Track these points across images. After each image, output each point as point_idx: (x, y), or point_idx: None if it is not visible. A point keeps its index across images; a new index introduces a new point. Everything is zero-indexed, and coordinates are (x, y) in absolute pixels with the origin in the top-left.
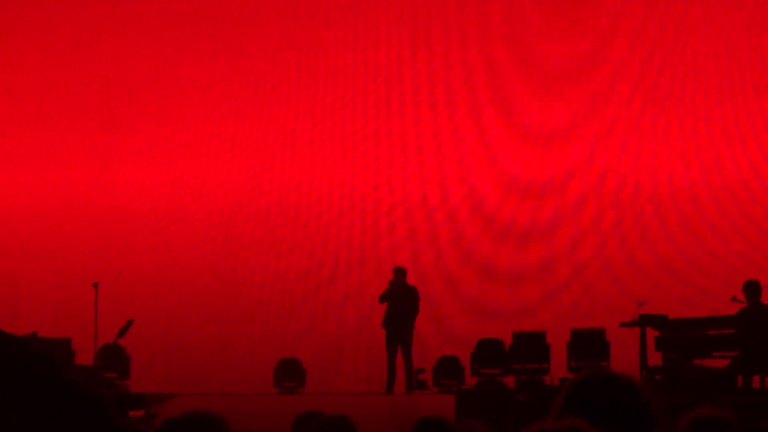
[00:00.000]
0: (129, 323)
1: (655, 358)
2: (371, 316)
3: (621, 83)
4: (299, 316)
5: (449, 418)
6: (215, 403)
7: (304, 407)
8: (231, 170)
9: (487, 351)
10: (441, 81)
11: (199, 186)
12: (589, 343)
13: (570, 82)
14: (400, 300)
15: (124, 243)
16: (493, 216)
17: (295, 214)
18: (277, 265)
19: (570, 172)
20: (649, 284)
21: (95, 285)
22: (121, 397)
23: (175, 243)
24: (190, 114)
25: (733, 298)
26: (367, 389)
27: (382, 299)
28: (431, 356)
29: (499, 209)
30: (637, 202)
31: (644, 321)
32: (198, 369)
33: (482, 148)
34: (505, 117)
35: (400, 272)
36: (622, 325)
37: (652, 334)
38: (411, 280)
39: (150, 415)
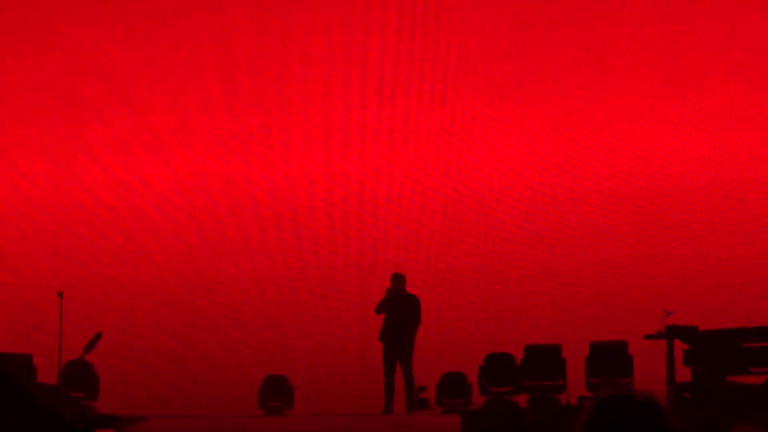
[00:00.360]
0: (97, 337)
1: (683, 374)
2: (367, 327)
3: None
4: (287, 328)
5: None
6: (192, 426)
7: (292, 430)
8: (208, 167)
9: (496, 366)
10: (436, 68)
11: (174, 184)
12: (609, 358)
13: (576, 69)
14: (399, 310)
15: (90, 247)
16: (501, 214)
17: (280, 213)
18: (261, 270)
19: (585, 167)
20: (677, 291)
21: (59, 294)
22: (88, 419)
23: (147, 247)
24: (161, 105)
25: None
26: (363, 410)
27: (378, 309)
28: (434, 372)
29: (507, 207)
30: (662, 200)
31: (671, 332)
32: (173, 388)
33: (485, 142)
34: (518, 107)
35: (398, 279)
36: (647, 337)
37: (680, 347)
38: (411, 287)
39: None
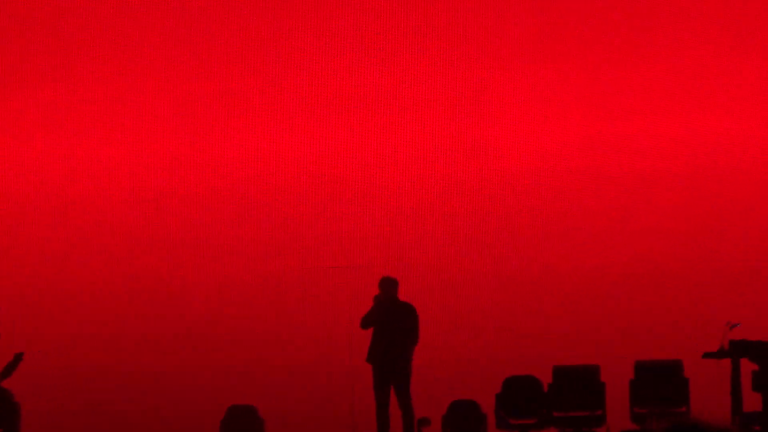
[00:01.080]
0: (18, 358)
1: (753, 401)
2: (355, 344)
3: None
4: (254, 347)
5: None
6: None
7: None
8: (157, 145)
9: (517, 393)
10: (439, 24)
11: (116, 165)
12: (660, 382)
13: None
14: (391, 323)
15: (9, 241)
16: (522, 205)
17: (243, 203)
18: (223, 272)
19: (627, 147)
20: (744, 299)
21: None
22: None
23: (81, 244)
24: (97, 68)
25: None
26: None
27: (365, 323)
28: (439, 401)
29: (529, 195)
30: (725, 189)
31: (737, 350)
32: (114, 421)
33: (503, 115)
34: (541, 72)
35: (388, 284)
36: (707, 355)
37: (748, 367)
38: (408, 294)
39: None
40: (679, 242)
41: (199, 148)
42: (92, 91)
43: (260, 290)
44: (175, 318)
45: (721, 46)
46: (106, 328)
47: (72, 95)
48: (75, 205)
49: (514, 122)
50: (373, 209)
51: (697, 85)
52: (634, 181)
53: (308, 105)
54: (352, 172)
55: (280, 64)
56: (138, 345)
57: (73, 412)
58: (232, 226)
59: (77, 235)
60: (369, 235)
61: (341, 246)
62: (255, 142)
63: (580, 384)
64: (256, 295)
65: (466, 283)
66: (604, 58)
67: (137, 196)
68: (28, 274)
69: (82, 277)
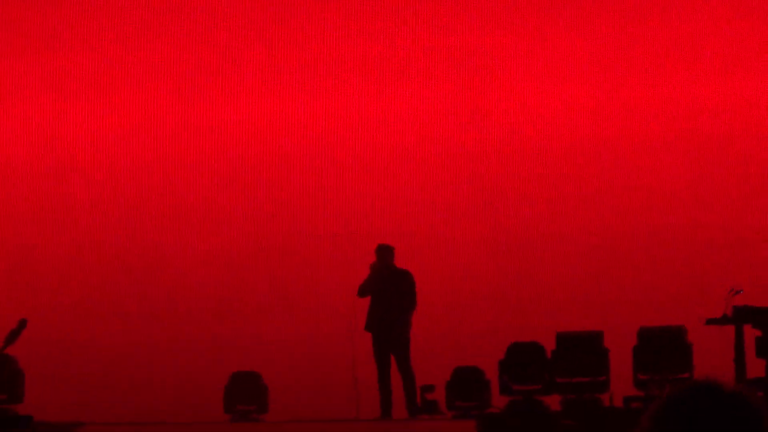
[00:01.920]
0: (21, 325)
1: (756, 367)
2: (359, 311)
3: None
4: (259, 314)
5: None
6: None
7: None
8: (152, 111)
9: (521, 359)
10: None
11: (115, 133)
12: (663, 348)
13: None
14: (387, 290)
15: (12, 212)
16: (526, 171)
17: (246, 170)
18: (225, 241)
19: (631, 113)
20: (747, 265)
21: None
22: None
23: (84, 214)
24: (83, 36)
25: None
26: (355, 414)
27: (362, 291)
28: (443, 367)
29: (533, 161)
30: (729, 154)
31: (741, 316)
32: (117, 388)
33: (507, 79)
34: (546, 35)
35: (385, 252)
36: (710, 322)
37: (751, 333)
38: (416, 261)
39: None
40: (684, 208)
41: (198, 115)
42: (90, 58)
43: (264, 258)
44: (178, 285)
45: (727, 10)
46: (111, 295)
47: (69, 63)
48: (80, 173)
49: (519, 87)
50: (374, 176)
51: (707, 50)
52: (638, 147)
53: (307, 71)
54: (353, 138)
55: (280, 30)
56: (142, 313)
57: (77, 379)
58: (233, 194)
59: (82, 203)
60: (371, 202)
61: (343, 213)
62: (254, 110)
63: (583, 350)
64: (260, 263)
65: (469, 249)
66: (609, 25)
67: (138, 163)
68: (33, 242)
69: (86, 245)
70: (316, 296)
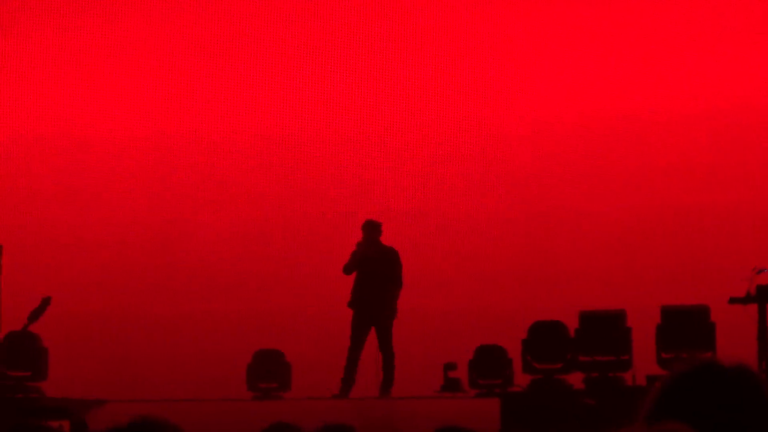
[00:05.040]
0: (45, 302)
1: None
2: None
3: None
4: (282, 292)
5: (492, 429)
6: (163, 414)
7: (288, 417)
8: (175, 88)
9: (544, 338)
10: None
11: (138, 109)
12: (686, 326)
13: None
14: (373, 268)
15: (36, 190)
16: (548, 145)
17: (273, 146)
18: (250, 219)
19: (651, 87)
20: None
21: None
22: (34, 404)
23: (106, 192)
24: (106, 12)
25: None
26: (378, 391)
27: (347, 269)
28: (466, 346)
29: (554, 135)
30: (753, 130)
31: (764, 295)
32: (139, 365)
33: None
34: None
35: (371, 228)
36: (733, 300)
37: None
38: (433, 239)
39: (78, 422)
40: (708, 187)
41: (222, 90)
42: (112, 34)
43: (288, 235)
44: (202, 262)
45: None
46: (134, 273)
47: (91, 39)
48: (103, 148)
49: (531, 63)
50: (396, 154)
51: (732, 26)
52: (660, 126)
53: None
54: (375, 115)
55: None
56: (166, 290)
57: (100, 357)
58: (259, 170)
59: (105, 179)
60: (394, 180)
61: (370, 192)
62: (282, 85)
63: (606, 329)
64: (285, 240)
65: (492, 228)
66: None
67: (164, 139)
68: (56, 219)
69: (110, 222)
70: (340, 274)
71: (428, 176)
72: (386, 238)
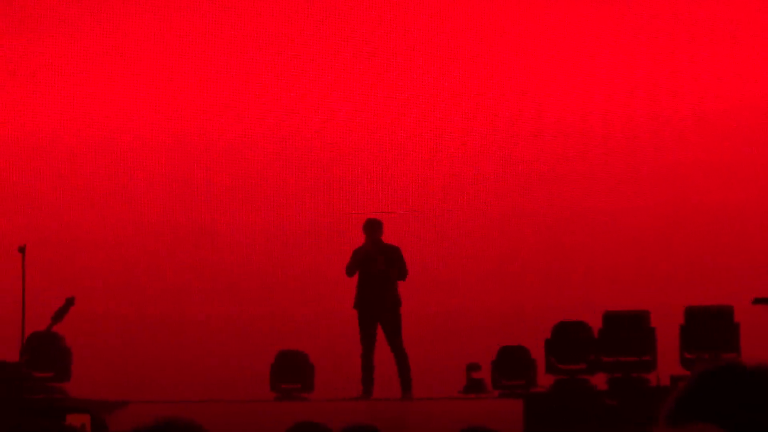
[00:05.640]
0: (69, 303)
1: None
2: (404, 293)
3: None
4: (305, 293)
5: (515, 430)
6: (185, 414)
7: (310, 419)
8: (202, 101)
9: (567, 338)
10: None
11: (163, 110)
12: (710, 327)
13: None
14: (375, 267)
15: (59, 191)
16: (573, 142)
17: (296, 148)
18: (273, 220)
19: (675, 82)
20: None
21: (21, 249)
22: (57, 405)
23: (129, 191)
24: (127, 11)
25: None
26: (400, 394)
27: (350, 269)
28: (489, 346)
29: (577, 132)
30: None
31: None
32: (162, 367)
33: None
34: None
35: (372, 227)
36: (757, 301)
37: None
38: (456, 239)
39: (99, 422)
40: (733, 185)
41: (249, 92)
42: (135, 34)
43: (312, 236)
44: (225, 263)
45: None
46: (158, 274)
47: (113, 39)
48: (128, 149)
49: (549, 63)
50: (416, 154)
51: (751, 26)
52: (686, 121)
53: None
54: (400, 116)
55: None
56: (189, 291)
57: (124, 357)
58: (281, 172)
59: (128, 180)
60: (416, 179)
61: (392, 193)
62: (307, 88)
63: (630, 329)
64: (308, 241)
65: (515, 228)
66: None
67: (188, 140)
68: (80, 220)
69: (134, 223)
70: None
71: (453, 175)
72: (411, 238)
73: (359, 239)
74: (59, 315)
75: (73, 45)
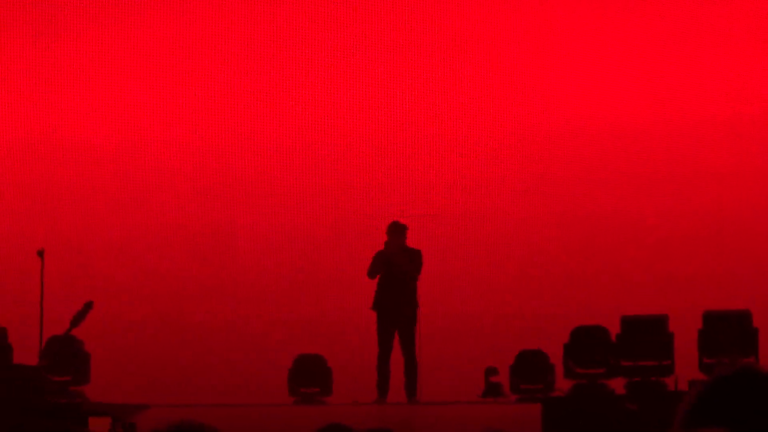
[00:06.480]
0: (87, 306)
1: None
2: (422, 296)
3: None
4: (324, 297)
5: None
6: (204, 418)
7: (330, 422)
8: (218, 103)
9: (586, 343)
10: None
11: (176, 117)
12: (728, 332)
13: None
14: (399, 270)
15: (77, 195)
16: (591, 145)
17: (313, 152)
18: (292, 225)
19: (696, 88)
20: None
21: (40, 253)
22: (79, 409)
23: (147, 195)
24: (146, 14)
25: None
26: (420, 396)
27: (372, 272)
28: (507, 351)
29: (594, 136)
30: None
31: None
32: (181, 370)
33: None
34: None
35: (396, 230)
36: None
37: None
38: (475, 243)
39: (129, 426)
40: (751, 190)
41: (270, 94)
42: (155, 37)
43: (331, 240)
44: (244, 268)
45: None
46: (176, 278)
47: (135, 42)
48: (146, 153)
49: (576, 65)
50: (435, 156)
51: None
52: (704, 127)
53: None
54: (417, 117)
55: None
56: (207, 295)
57: (143, 361)
58: (299, 176)
59: (148, 184)
60: (432, 183)
61: (413, 196)
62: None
63: (648, 334)
64: (327, 246)
65: (534, 233)
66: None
67: (207, 144)
68: (100, 223)
69: (153, 227)
70: None
71: (474, 179)
72: (432, 241)
73: (378, 242)
74: (78, 319)
75: (93, 50)
